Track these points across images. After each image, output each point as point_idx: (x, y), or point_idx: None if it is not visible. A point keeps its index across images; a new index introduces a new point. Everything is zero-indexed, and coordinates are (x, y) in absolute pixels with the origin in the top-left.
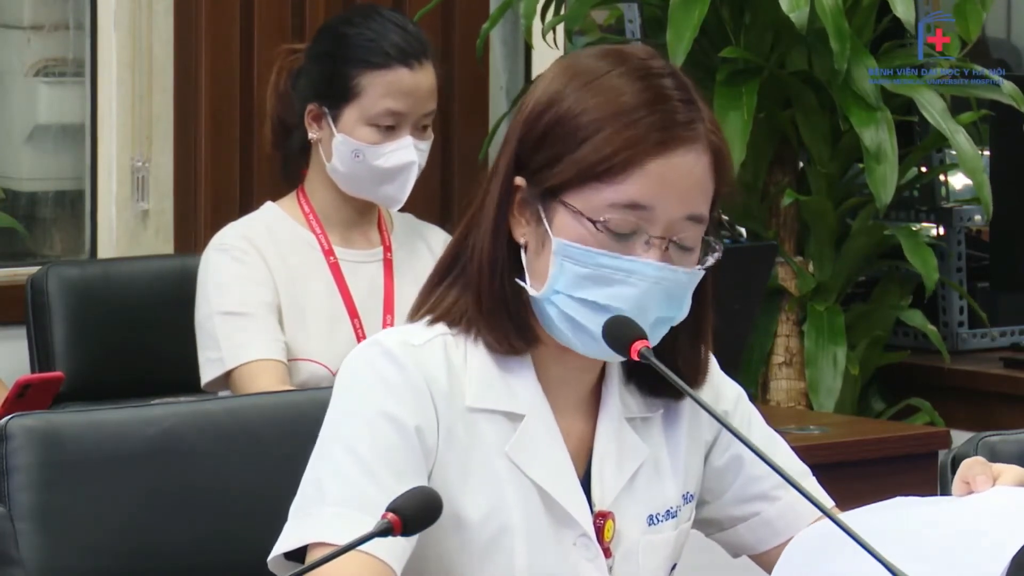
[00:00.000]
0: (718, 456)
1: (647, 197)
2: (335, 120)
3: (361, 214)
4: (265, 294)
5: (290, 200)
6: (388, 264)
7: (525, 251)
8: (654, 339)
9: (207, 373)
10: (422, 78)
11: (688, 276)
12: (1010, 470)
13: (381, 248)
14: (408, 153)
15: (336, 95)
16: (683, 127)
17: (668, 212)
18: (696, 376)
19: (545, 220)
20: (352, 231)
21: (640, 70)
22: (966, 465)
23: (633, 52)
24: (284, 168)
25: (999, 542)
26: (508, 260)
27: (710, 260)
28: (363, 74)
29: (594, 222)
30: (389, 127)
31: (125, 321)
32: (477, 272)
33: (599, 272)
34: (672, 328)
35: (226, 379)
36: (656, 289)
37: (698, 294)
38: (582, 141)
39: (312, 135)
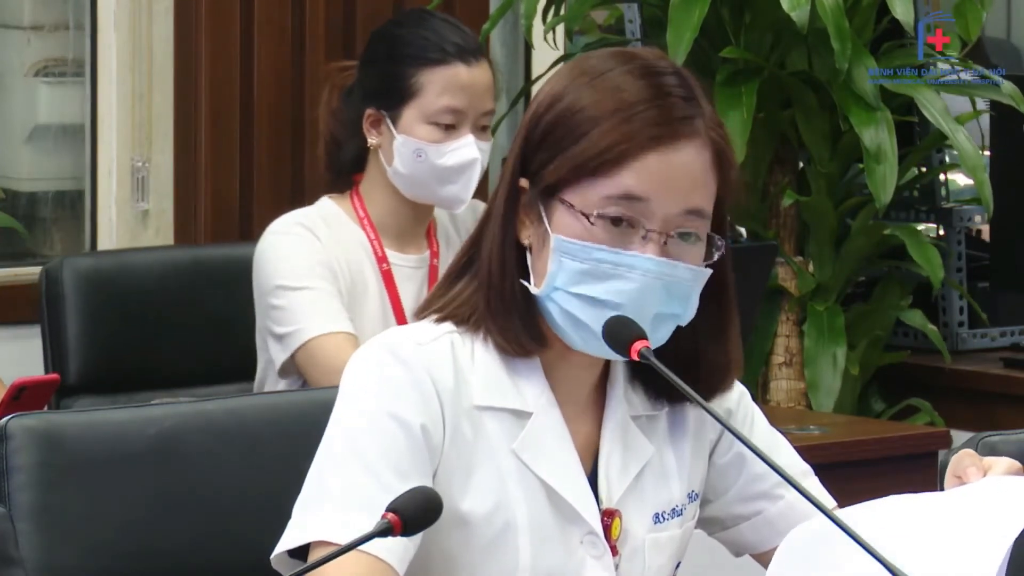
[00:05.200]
0: (721, 454)
1: (642, 189)
2: (394, 122)
3: (417, 221)
4: (329, 276)
5: (344, 200)
6: (433, 271)
7: (530, 252)
8: (656, 337)
9: (284, 348)
10: (479, 74)
11: (691, 273)
12: (1000, 461)
13: (428, 254)
14: (471, 150)
15: (394, 96)
16: (680, 122)
17: (665, 206)
18: (719, 381)
19: (545, 219)
20: (406, 237)
21: (644, 68)
22: (956, 459)
23: (641, 52)
24: (335, 184)
25: (995, 530)
26: (516, 262)
27: (715, 255)
28: (421, 72)
29: (588, 216)
30: (449, 126)
31: (139, 313)
32: (487, 274)
33: (596, 267)
34: (693, 330)
35: (302, 354)
36: (656, 284)
37: (718, 295)
38: (579, 137)
39: (371, 141)
